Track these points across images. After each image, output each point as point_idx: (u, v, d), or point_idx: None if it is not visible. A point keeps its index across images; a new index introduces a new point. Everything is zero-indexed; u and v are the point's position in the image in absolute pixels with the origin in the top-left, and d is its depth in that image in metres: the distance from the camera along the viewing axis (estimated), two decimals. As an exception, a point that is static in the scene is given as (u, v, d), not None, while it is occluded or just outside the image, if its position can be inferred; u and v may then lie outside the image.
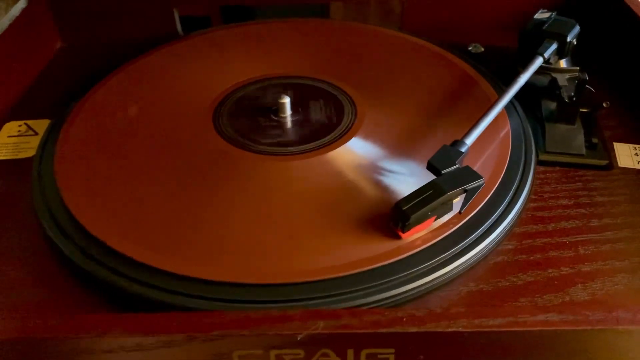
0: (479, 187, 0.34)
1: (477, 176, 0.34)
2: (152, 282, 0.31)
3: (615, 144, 0.44)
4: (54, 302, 0.32)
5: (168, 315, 0.26)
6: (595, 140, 0.43)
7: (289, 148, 0.40)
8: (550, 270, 0.35)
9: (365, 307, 0.30)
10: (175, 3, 0.58)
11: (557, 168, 0.42)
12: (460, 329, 0.25)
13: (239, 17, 0.69)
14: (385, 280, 0.31)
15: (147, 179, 0.38)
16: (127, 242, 0.33)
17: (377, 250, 0.32)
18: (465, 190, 0.33)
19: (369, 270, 0.31)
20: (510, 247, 0.36)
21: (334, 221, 0.34)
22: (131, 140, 0.41)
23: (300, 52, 0.52)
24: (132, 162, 0.40)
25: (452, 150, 0.36)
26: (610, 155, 0.43)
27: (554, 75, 0.46)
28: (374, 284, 0.31)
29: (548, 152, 0.42)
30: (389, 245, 0.33)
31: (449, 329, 0.25)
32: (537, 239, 0.37)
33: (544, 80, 0.47)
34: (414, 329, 0.25)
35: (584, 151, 0.42)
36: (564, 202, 0.39)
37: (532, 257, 0.35)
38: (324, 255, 0.32)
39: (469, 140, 0.37)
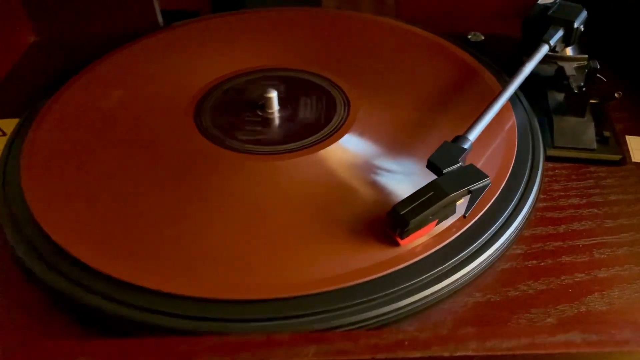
0: (484, 187, 0.31)
1: (482, 175, 0.31)
2: (126, 300, 0.28)
3: (627, 137, 0.41)
4: (21, 326, 0.29)
5: (138, 342, 0.23)
6: (607, 134, 0.40)
7: (276, 146, 0.37)
8: (563, 278, 0.32)
9: (361, 325, 0.27)
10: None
11: (567, 164, 0.39)
12: (470, 353, 0.22)
13: (230, 9, 0.65)
14: (383, 293, 0.28)
15: (122, 185, 0.35)
16: (98, 256, 0.30)
17: (373, 260, 0.29)
18: (469, 191, 0.30)
19: (364, 283, 0.28)
20: (519, 251, 0.33)
21: (325, 227, 0.31)
22: (106, 142, 0.38)
23: (289, 43, 0.48)
24: (107, 166, 0.36)
25: (454, 147, 0.33)
26: (623, 149, 0.40)
27: (560, 64, 0.43)
28: (371, 297, 0.28)
29: (556, 147, 0.39)
30: (386, 253, 0.30)
31: (458, 353, 0.22)
32: (548, 243, 0.34)
33: (550, 69, 0.44)
34: (417, 354, 0.22)
35: (595, 145, 0.39)
36: (575, 201, 0.36)
37: (543, 263, 0.32)
38: (315, 266, 0.29)
39: (472, 136, 0.34)
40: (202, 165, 0.36)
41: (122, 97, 0.42)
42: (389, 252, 0.30)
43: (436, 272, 0.29)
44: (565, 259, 0.33)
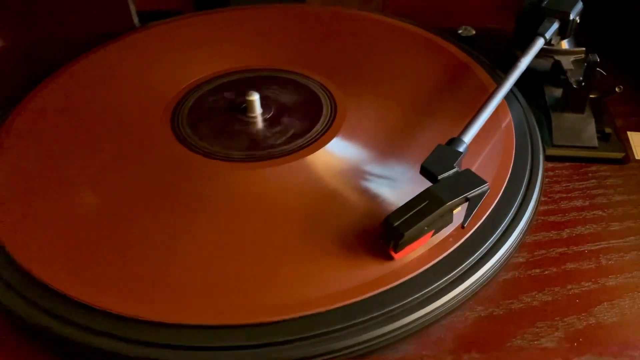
0: (483, 194, 0.28)
1: (480, 181, 0.28)
2: (92, 326, 0.25)
3: (629, 133, 0.39)
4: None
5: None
6: (608, 130, 0.38)
7: (258, 153, 0.34)
8: (569, 287, 0.29)
9: (356, 348, 0.25)
10: (131, -8, 0.52)
11: (567, 163, 0.37)
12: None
13: (213, 7, 0.62)
14: (378, 313, 0.26)
15: (92, 200, 0.32)
16: (68, 281, 0.27)
17: (366, 277, 0.27)
18: (467, 199, 0.28)
19: (357, 303, 0.26)
20: (521, 260, 0.31)
21: (312, 242, 0.29)
22: (76, 156, 0.35)
23: (271, 42, 0.46)
24: (77, 183, 0.33)
25: (448, 150, 0.31)
26: (625, 146, 0.38)
27: (557, 58, 0.41)
28: (365, 318, 0.25)
29: (556, 146, 0.37)
30: (379, 269, 0.27)
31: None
32: (552, 249, 0.31)
33: (546, 64, 0.42)
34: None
35: (596, 143, 0.37)
36: (578, 203, 0.34)
37: (547, 272, 0.30)
38: (301, 286, 0.27)
39: (468, 138, 0.32)
40: (180, 176, 0.33)
41: (94, 106, 0.40)
42: (383, 268, 0.27)
43: (435, 288, 0.27)
44: (570, 266, 0.31)
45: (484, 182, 0.28)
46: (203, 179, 0.33)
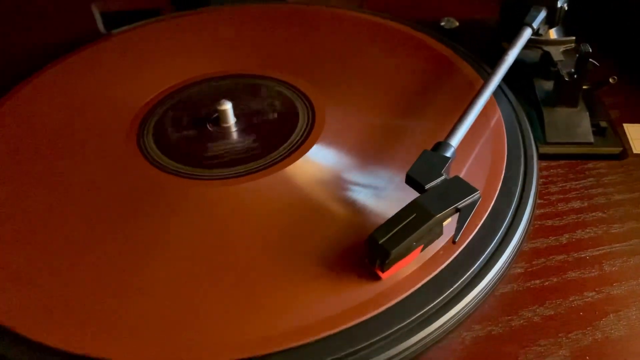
0: (474, 202, 0.26)
1: (470, 189, 0.26)
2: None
3: (625, 125, 0.37)
4: None
5: None
6: (603, 124, 0.35)
7: (233, 167, 0.32)
8: (572, 298, 0.27)
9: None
10: (94, -2, 0.49)
11: (562, 162, 0.35)
12: None
13: (193, 6, 0.59)
14: (366, 344, 0.23)
15: (50, 233, 0.29)
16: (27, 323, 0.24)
17: (351, 301, 0.24)
18: (457, 209, 0.26)
19: (343, 332, 0.23)
20: (519, 270, 0.29)
21: (294, 264, 0.26)
22: (34, 178, 0.32)
23: (243, 45, 0.43)
24: (34, 209, 0.31)
25: (435, 156, 0.28)
26: (622, 140, 0.36)
27: (546, 49, 0.39)
28: (351, 350, 0.23)
29: (549, 143, 0.35)
30: (365, 292, 0.25)
31: None
32: (551, 257, 0.29)
33: (534, 55, 0.40)
34: None
35: (592, 138, 0.35)
36: (576, 204, 0.32)
37: (547, 282, 0.28)
38: (283, 315, 0.24)
39: (455, 141, 0.29)
40: (145, 198, 0.30)
41: (54, 122, 0.37)
42: (369, 290, 0.25)
43: (428, 311, 0.24)
44: (572, 275, 0.28)
45: (474, 190, 0.26)
46: (172, 199, 0.30)
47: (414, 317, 0.24)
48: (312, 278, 0.26)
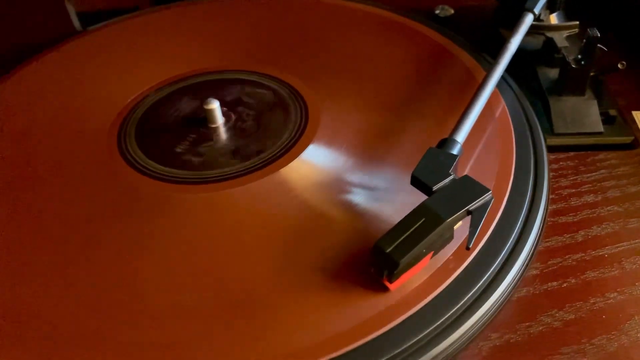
0: (487, 204, 0.24)
1: (482, 189, 0.24)
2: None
3: (635, 113, 0.35)
4: None
5: None
6: (612, 112, 0.34)
7: (222, 170, 0.30)
8: (593, 300, 0.26)
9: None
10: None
11: (571, 153, 0.33)
12: None
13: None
14: (377, 364, 0.21)
15: (26, 244, 0.27)
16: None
17: (358, 318, 0.22)
18: (469, 212, 0.24)
19: (349, 353, 0.21)
20: (534, 272, 0.27)
21: (292, 277, 0.24)
22: (6, 184, 0.30)
23: (227, 39, 0.41)
24: (5, 217, 0.28)
25: (441, 154, 0.26)
26: (633, 128, 0.34)
27: (548, 35, 0.37)
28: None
29: (557, 135, 0.33)
30: (373, 305, 0.23)
31: None
32: (567, 256, 0.27)
33: (536, 42, 0.38)
34: None
35: (601, 128, 0.33)
36: (590, 198, 0.30)
37: (565, 284, 0.26)
38: (280, 335, 0.22)
39: (461, 137, 0.27)
40: (127, 206, 0.28)
41: (29, 123, 0.34)
42: (377, 304, 0.23)
43: (442, 324, 0.22)
44: (590, 275, 0.27)
45: (486, 190, 0.24)
46: (155, 207, 0.28)
47: (427, 331, 0.22)
48: (313, 293, 0.24)
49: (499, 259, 0.25)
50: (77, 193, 0.29)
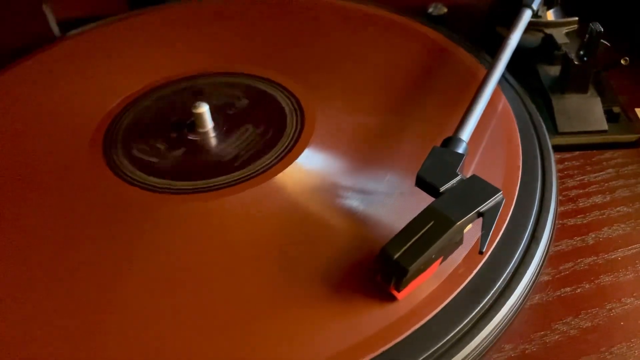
0: (498, 205, 0.23)
1: (492, 189, 0.23)
2: None
3: (637, 110, 0.34)
4: None
5: None
6: (616, 110, 0.33)
7: (214, 179, 0.28)
8: (609, 306, 0.24)
9: None
10: (46, -2, 0.44)
11: (577, 153, 0.32)
12: None
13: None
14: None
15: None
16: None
17: (366, 330, 0.21)
18: (479, 214, 0.22)
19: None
20: (546, 278, 0.26)
21: (292, 290, 0.23)
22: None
23: (217, 40, 0.39)
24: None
25: (447, 153, 0.25)
26: (637, 126, 0.33)
27: (547, 31, 0.36)
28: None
29: (561, 134, 0.32)
30: (381, 317, 0.21)
31: None
32: (579, 260, 0.26)
33: (535, 39, 0.37)
34: None
35: (606, 126, 0.32)
36: (598, 199, 0.29)
37: (579, 289, 0.25)
38: (282, 353, 0.20)
39: (466, 135, 0.26)
40: (113, 217, 0.26)
41: (7, 133, 0.32)
42: (385, 315, 0.21)
43: (454, 335, 0.21)
44: (605, 279, 0.25)
45: (496, 190, 0.23)
46: (144, 220, 0.26)
47: (439, 344, 0.21)
48: (313, 307, 0.22)
49: (511, 264, 0.23)
50: (60, 207, 0.27)
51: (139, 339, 0.21)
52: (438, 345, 0.21)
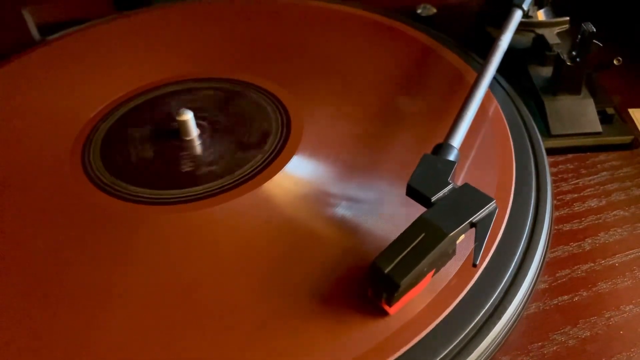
0: (491, 214, 0.22)
1: (484, 198, 0.22)
2: None
3: (631, 111, 0.34)
4: None
5: None
6: (610, 111, 0.32)
7: (198, 188, 0.27)
8: (608, 315, 0.24)
9: None
10: (25, 2, 0.43)
11: (570, 155, 0.31)
12: None
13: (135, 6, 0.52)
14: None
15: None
16: None
17: (357, 348, 0.20)
18: (472, 224, 0.22)
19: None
20: (543, 286, 0.25)
21: (280, 306, 0.22)
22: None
23: (199, 45, 0.38)
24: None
25: (438, 161, 0.24)
26: (631, 127, 0.32)
27: (539, 32, 0.35)
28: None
29: (554, 136, 0.31)
30: (373, 333, 0.20)
31: None
32: (576, 267, 0.26)
33: (525, 40, 0.36)
34: None
35: (599, 127, 0.31)
36: (594, 203, 0.28)
37: (576, 297, 0.24)
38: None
39: (457, 142, 0.25)
40: (93, 231, 0.25)
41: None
42: (375, 332, 0.20)
43: (452, 351, 0.20)
44: (602, 286, 0.25)
45: (489, 199, 0.22)
46: (127, 232, 0.25)
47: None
48: (302, 322, 0.21)
49: (507, 274, 0.23)
50: (40, 221, 0.26)
51: (122, 357, 0.20)
52: (434, 361, 0.20)
